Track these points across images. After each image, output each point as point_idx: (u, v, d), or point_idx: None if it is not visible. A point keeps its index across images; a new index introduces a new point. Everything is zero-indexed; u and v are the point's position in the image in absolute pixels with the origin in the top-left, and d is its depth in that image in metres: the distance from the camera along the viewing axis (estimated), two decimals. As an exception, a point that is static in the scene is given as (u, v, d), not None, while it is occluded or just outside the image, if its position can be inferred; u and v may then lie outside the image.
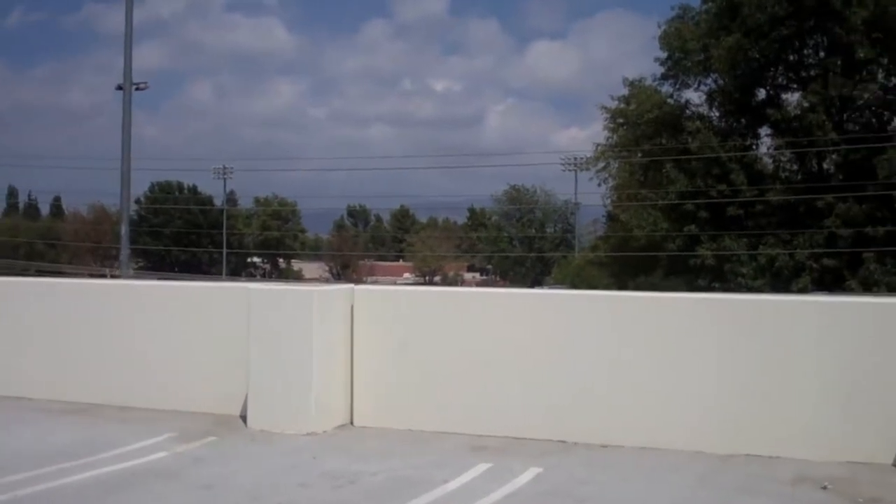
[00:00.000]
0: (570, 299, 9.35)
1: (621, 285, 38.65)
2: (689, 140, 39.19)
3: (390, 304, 8.86)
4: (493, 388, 8.20)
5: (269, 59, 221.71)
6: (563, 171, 77.76)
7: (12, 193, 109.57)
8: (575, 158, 73.33)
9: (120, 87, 38.16)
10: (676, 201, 38.87)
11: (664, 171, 39.15)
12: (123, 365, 9.43)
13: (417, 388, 8.47)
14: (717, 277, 37.35)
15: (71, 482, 6.57)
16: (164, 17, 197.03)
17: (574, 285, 38.39)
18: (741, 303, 8.52)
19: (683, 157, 39.00)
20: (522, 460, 7.24)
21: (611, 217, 50.45)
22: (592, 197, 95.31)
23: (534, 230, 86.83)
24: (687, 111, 41.82)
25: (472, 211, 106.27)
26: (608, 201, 49.28)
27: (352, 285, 9.16)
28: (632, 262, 41.60)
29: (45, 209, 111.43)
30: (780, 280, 35.80)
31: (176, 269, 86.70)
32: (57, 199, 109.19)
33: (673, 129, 40.77)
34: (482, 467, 7.05)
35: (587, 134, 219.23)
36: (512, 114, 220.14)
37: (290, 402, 8.30)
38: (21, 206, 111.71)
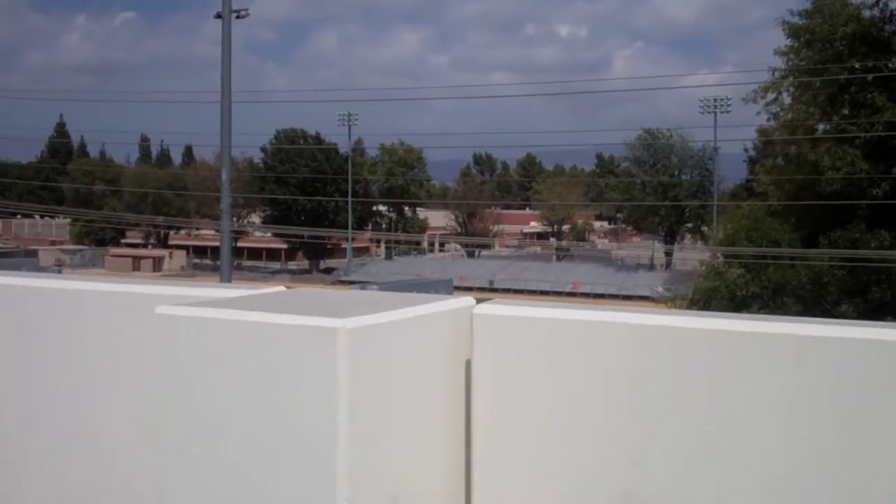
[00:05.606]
0: None
1: (809, 241, 31.52)
2: (898, 59, 31.52)
3: (586, 355, 1.61)
4: None
5: (392, 4, 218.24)
6: (702, 113, 75.40)
7: (144, 140, 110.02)
8: (714, 100, 74.59)
9: (219, 16, 34.98)
10: (883, 132, 31.09)
11: (868, 96, 31.38)
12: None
13: None
14: (937, 231, 29.83)
15: None
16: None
17: (752, 241, 31.40)
18: None
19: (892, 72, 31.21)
20: None
21: (778, 158, 42.52)
22: (730, 131, 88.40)
23: (668, 177, 78.70)
24: (891, 24, 33.84)
25: (599, 157, 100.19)
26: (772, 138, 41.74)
27: (471, 300, 1.75)
28: (818, 213, 33.90)
29: (177, 157, 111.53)
30: None
31: (302, 218, 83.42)
32: (189, 148, 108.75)
33: (871, 48, 32.95)
34: None
35: (717, 77, 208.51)
36: (639, 57, 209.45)
37: None
38: (154, 153, 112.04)
